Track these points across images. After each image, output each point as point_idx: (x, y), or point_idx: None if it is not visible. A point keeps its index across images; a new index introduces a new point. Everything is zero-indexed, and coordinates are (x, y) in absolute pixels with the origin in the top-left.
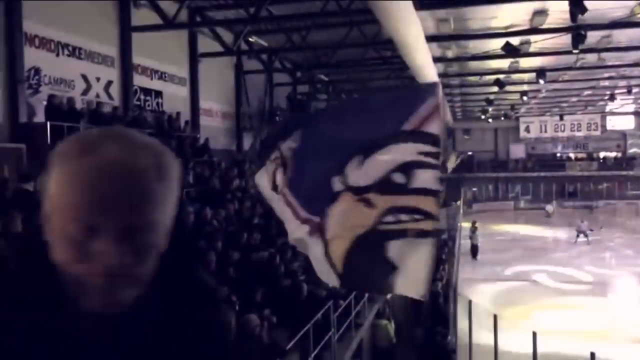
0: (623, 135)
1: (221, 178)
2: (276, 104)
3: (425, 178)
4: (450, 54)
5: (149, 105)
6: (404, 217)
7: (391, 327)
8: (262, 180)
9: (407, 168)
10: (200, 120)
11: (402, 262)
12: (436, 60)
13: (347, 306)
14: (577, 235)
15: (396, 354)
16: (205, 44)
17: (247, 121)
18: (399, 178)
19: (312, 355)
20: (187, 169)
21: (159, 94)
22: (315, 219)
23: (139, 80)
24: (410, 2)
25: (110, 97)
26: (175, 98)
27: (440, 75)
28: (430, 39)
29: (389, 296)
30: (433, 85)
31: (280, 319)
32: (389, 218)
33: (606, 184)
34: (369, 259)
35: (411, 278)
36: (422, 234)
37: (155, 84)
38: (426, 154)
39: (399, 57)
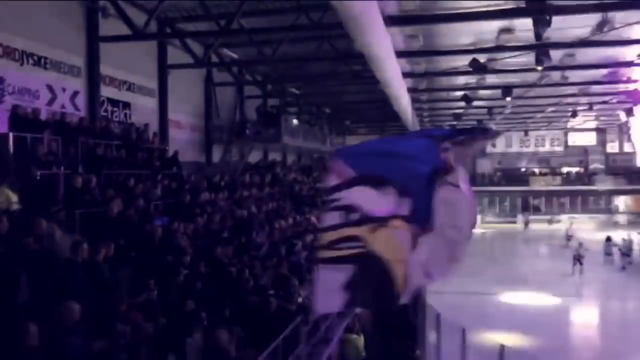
0: (585, 151)
1: (190, 191)
2: (246, 116)
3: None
4: (419, 69)
5: (116, 117)
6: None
7: (360, 341)
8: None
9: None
10: (169, 132)
11: (318, 284)
12: (406, 75)
13: (316, 321)
14: (574, 264)
15: None
16: (175, 55)
17: (217, 134)
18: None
19: None
20: (155, 181)
21: (127, 105)
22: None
23: (107, 91)
24: (381, 18)
25: (76, 107)
26: (143, 109)
27: (409, 90)
28: (400, 54)
29: (358, 310)
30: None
31: (249, 334)
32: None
33: (569, 198)
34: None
35: (327, 296)
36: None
37: (123, 95)
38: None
39: (369, 71)
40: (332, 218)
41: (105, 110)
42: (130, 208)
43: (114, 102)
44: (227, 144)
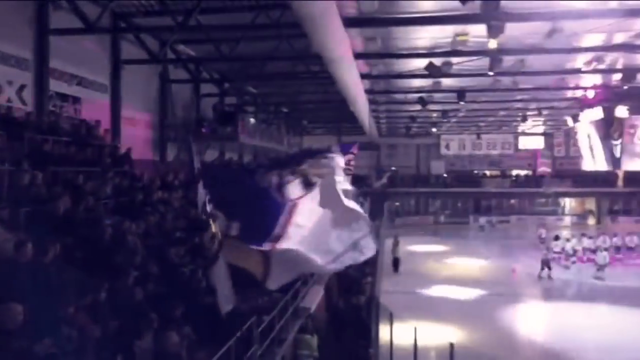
0: (533, 154)
1: (143, 190)
2: (203, 114)
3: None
4: (376, 71)
5: (66, 112)
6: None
7: (314, 341)
8: None
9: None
10: (122, 129)
11: None
12: (363, 76)
13: (270, 321)
14: (542, 268)
15: None
16: (130, 50)
17: (172, 131)
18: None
19: None
20: (106, 179)
21: (77, 100)
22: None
23: (56, 86)
24: (339, 19)
25: (23, 101)
26: (95, 105)
27: (366, 91)
28: (357, 55)
29: (312, 310)
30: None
31: (201, 336)
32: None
33: (518, 200)
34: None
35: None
36: None
37: (73, 90)
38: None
39: (327, 72)
40: None
41: (54, 105)
42: (79, 206)
43: (63, 97)
44: (183, 142)
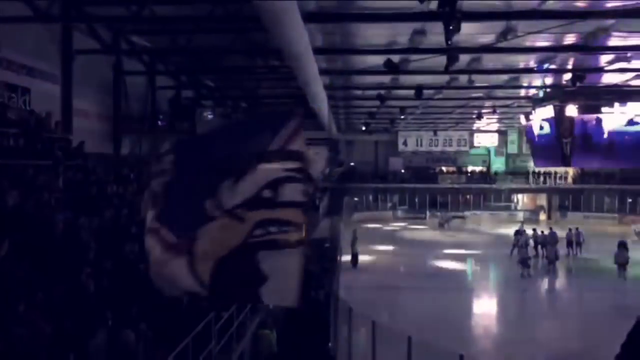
0: (488, 151)
1: (96, 184)
2: (159, 107)
3: (291, 192)
4: (335, 67)
5: (14, 103)
6: (273, 229)
7: (273, 336)
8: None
9: (275, 184)
10: (74, 122)
11: (272, 273)
12: (322, 72)
13: (229, 317)
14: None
15: None
16: (82, 40)
17: (127, 124)
18: (267, 194)
19: None
20: (57, 173)
21: (26, 90)
22: (183, 241)
23: (4, 75)
24: (299, 14)
25: None
26: (45, 96)
27: (325, 87)
28: (317, 51)
29: (271, 306)
30: (294, 109)
31: (159, 333)
32: (259, 231)
33: (473, 196)
34: (239, 271)
35: (281, 287)
36: (291, 244)
37: (22, 80)
38: (292, 169)
39: (286, 67)
40: None
41: (1, 96)
42: (28, 201)
43: (11, 87)
44: (138, 135)
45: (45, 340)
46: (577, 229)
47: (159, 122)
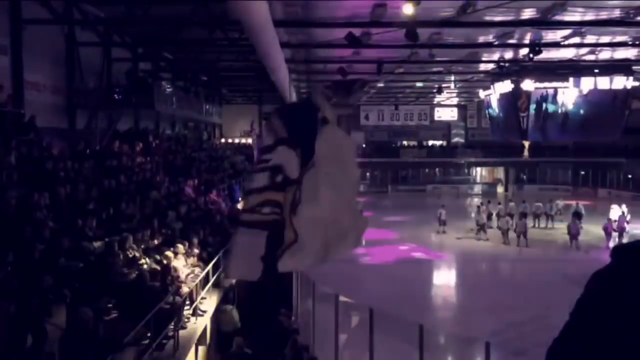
0: (448, 125)
1: (51, 159)
2: (115, 80)
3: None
4: (296, 40)
5: None
6: (266, 210)
7: (236, 312)
8: None
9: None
10: (25, 95)
11: (235, 247)
12: (283, 45)
13: (191, 293)
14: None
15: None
16: (31, 9)
17: (82, 98)
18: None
19: (153, 346)
20: (9, 148)
21: None
22: None
23: None
24: None
25: None
26: None
27: (287, 60)
28: (278, 23)
29: (233, 281)
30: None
31: (120, 310)
32: (259, 208)
33: (433, 169)
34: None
35: (247, 261)
36: (267, 225)
37: None
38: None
39: (246, 39)
40: (261, 180)
41: None
42: None
43: None
44: (94, 109)
45: (6, 319)
46: (550, 201)
47: (116, 96)
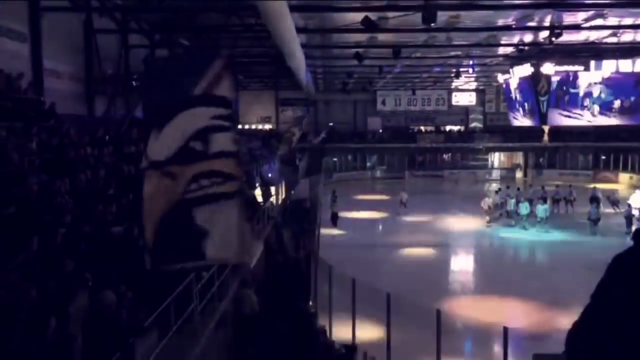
0: (466, 110)
1: (71, 146)
2: (133, 67)
3: (222, 141)
4: (312, 25)
5: None
6: (205, 182)
7: (254, 295)
8: None
9: (203, 134)
10: (45, 82)
11: (211, 227)
12: (299, 30)
13: (210, 277)
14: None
15: (259, 320)
16: None
17: (100, 85)
18: (197, 145)
19: (173, 329)
20: (30, 135)
21: None
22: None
23: None
24: None
25: None
26: (14, 56)
27: (302, 46)
28: (293, 8)
29: (252, 265)
30: (219, 50)
31: (140, 295)
32: (193, 186)
33: (451, 155)
34: (179, 231)
35: (223, 242)
36: (226, 196)
37: None
38: (219, 117)
39: (262, 25)
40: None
41: None
42: (0, 163)
43: None
44: (112, 96)
45: (28, 303)
46: (570, 186)
47: (133, 83)
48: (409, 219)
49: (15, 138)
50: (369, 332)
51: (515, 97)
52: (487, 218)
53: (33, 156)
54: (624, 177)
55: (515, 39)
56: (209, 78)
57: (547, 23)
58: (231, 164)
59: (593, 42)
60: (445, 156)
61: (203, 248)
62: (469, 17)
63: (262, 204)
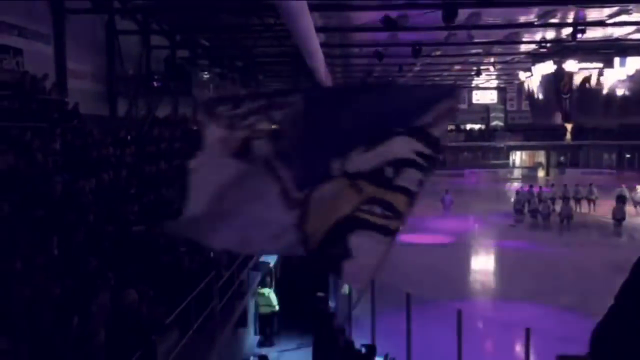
0: (487, 108)
1: (94, 146)
2: (154, 68)
3: (410, 177)
4: (332, 24)
5: (7, 64)
6: (377, 209)
7: (274, 294)
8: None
9: (400, 164)
10: (68, 83)
11: (357, 253)
12: (318, 30)
13: (230, 276)
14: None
15: (279, 320)
16: None
17: (122, 85)
18: (388, 172)
19: (194, 327)
20: (54, 135)
21: (18, 52)
22: (300, 195)
23: None
24: None
25: None
26: (39, 57)
27: (322, 45)
28: (313, 7)
29: (271, 264)
30: (453, 89)
31: (161, 293)
32: (366, 207)
33: (471, 153)
34: (335, 240)
35: (360, 270)
36: (386, 231)
37: (13, 41)
38: (422, 155)
39: (282, 24)
40: None
41: None
42: (25, 163)
43: (3, 49)
44: (134, 97)
45: (51, 302)
46: (590, 185)
47: (154, 83)
48: (429, 219)
49: (40, 139)
50: (388, 331)
51: (537, 95)
52: (515, 217)
53: (57, 156)
54: None
55: (538, 36)
56: (434, 114)
57: (570, 20)
58: (406, 203)
59: (617, 39)
60: (466, 155)
61: (342, 267)
62: (490, 14)
63: None
